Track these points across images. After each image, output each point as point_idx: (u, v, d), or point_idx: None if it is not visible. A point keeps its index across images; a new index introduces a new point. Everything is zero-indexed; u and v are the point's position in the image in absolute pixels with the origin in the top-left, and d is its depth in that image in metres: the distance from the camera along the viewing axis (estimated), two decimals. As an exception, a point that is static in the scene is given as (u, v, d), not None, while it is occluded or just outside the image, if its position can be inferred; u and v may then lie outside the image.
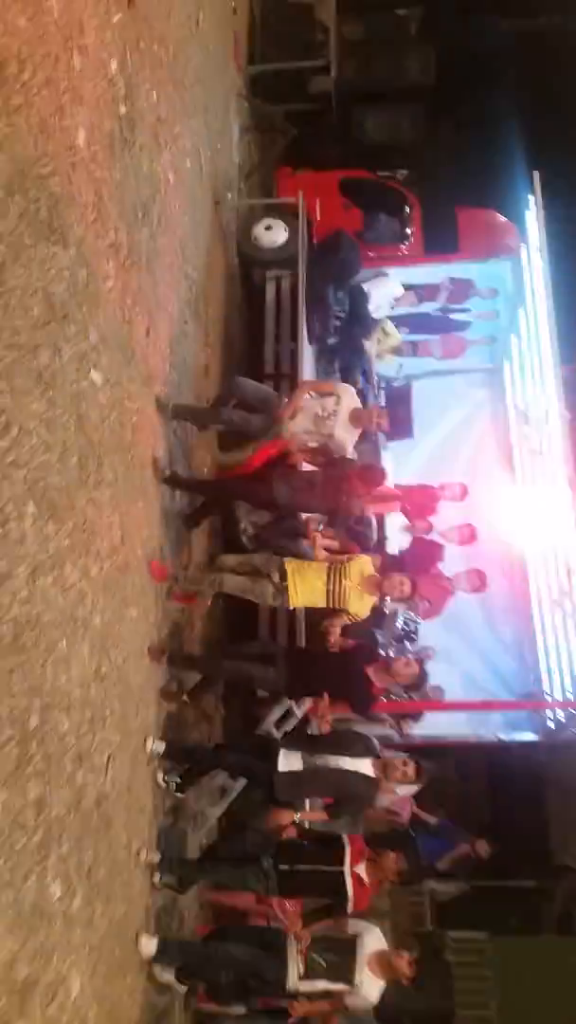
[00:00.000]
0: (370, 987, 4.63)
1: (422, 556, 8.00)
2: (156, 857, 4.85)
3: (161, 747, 5.04)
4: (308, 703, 5.97)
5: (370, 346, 8.65)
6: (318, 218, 8.66)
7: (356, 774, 5.02)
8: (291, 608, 5.49)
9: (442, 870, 8.14)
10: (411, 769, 5.10)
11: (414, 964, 4.70)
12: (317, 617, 5.87)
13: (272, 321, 8.14)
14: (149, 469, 5.16)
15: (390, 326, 8.73)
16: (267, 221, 8.34)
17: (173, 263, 5.86)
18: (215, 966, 4.88)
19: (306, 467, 6.14)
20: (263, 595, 5.35)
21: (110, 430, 4.36)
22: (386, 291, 8.37)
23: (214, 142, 7.48)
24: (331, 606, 5.33)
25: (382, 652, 6.46)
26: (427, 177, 9.19)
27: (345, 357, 8.19)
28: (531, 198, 7.49)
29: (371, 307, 8.31)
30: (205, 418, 5.99)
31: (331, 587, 5.25)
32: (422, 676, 5.81)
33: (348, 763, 5.01)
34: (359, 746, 5.14)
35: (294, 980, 4.67)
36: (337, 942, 4.83)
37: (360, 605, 5.32)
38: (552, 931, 10.35)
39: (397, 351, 8.93)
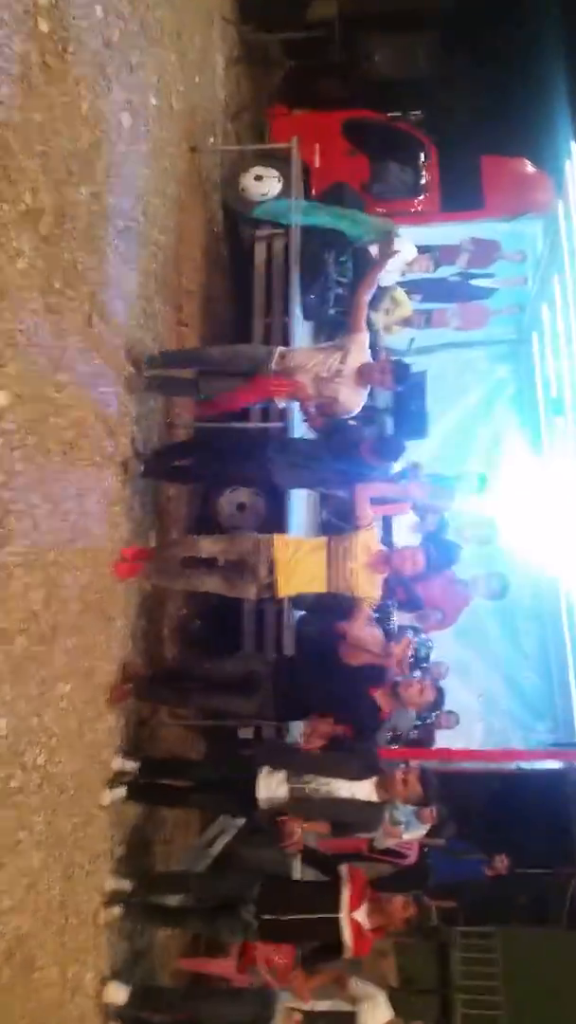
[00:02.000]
0: None
1: (435, 559, 6.99)
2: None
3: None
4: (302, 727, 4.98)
5: (377, 317, 7.50)
6: (317, 166, 7.43)
7: (353, 803, 4.30)
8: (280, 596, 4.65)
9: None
10: (413, 777, 4.32)
11: None
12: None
13: (262, 290, 6.94)
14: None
15: (401, 294, 7.59)
16: (257, 170, 7.10)
17: (129, 227, 4.73)
18: None
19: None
20: (244, 594, 4.61)
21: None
22: (397, 254, 7.16)
23: (190, 74, 6.23)
24: (333, 591, 4.55)
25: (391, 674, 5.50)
26: (446, 119, 7.82)
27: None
28: (572, 145, 6.25)
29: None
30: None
31: (333, 571, 4.46)
32: (437, 703, 4.90)
33: (343, 788, 4.30)
34: (355, 765, 4.39)
35: None
36: (334, 1018, 4.16)
37: (371, 587, 4.54)
38: (561, 924, 9.65)
39: (408, 322, 7.79)
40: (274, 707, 4.75)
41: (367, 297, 5.01)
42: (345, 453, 5.05)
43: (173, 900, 4.63)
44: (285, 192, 7.09)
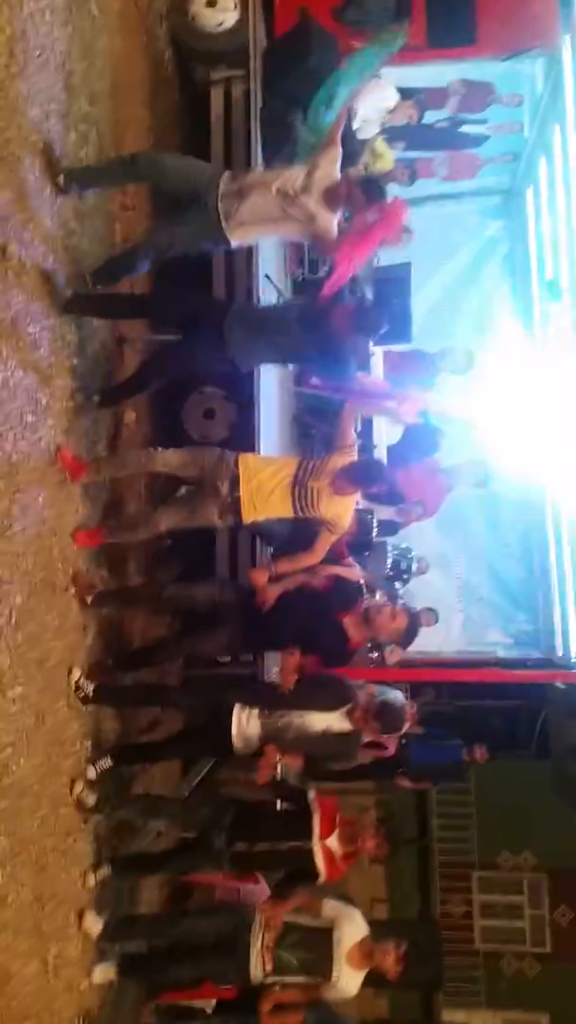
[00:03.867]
0: (349, 981, 4.08)
1: (416, 446, 6.58)
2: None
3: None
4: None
5: (355, 174, 6.60)
6: (281, -8, 6.22)
7: (327, 736, 4.20)
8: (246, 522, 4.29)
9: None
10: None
11: (401, 959, 4.09)
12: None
13: (220, 147, 6.07)
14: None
15: (381, 145, 6.64)
16: (209, -9, 5.99)
17: (52, 110, 3.88)
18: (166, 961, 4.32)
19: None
20: (208, 518, 4.23)
21: None
22: (376, 100, 6.16)
23: None
24: (300, 515, 4.20)
25: (364, 595, 5.25)
26: None
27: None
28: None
29: (355, 123, 6.15)
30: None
31: (297, 492, 4.12)
32: (411, 632, 4.69)
33: (317, 719, 4.19)
34: (327, 694, 4.27)
35: (259, 976, 4.06)
36: (310, 934, 4.17)
37: (335, 509, 4.16)
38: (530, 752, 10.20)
39: (390, 176, 6.88)
40: (243, 639, 4.52)
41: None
42: (316, 322, 4.39)
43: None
44: (243, 21, 6.03)
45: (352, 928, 4.11)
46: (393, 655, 6.34)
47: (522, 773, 9.98)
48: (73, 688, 4.02)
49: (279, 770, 4.47)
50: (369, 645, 6.13)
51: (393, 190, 6.92)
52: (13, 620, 3.38)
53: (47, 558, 3.76)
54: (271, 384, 5.46)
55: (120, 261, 4.31)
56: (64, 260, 4.01)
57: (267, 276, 5.41)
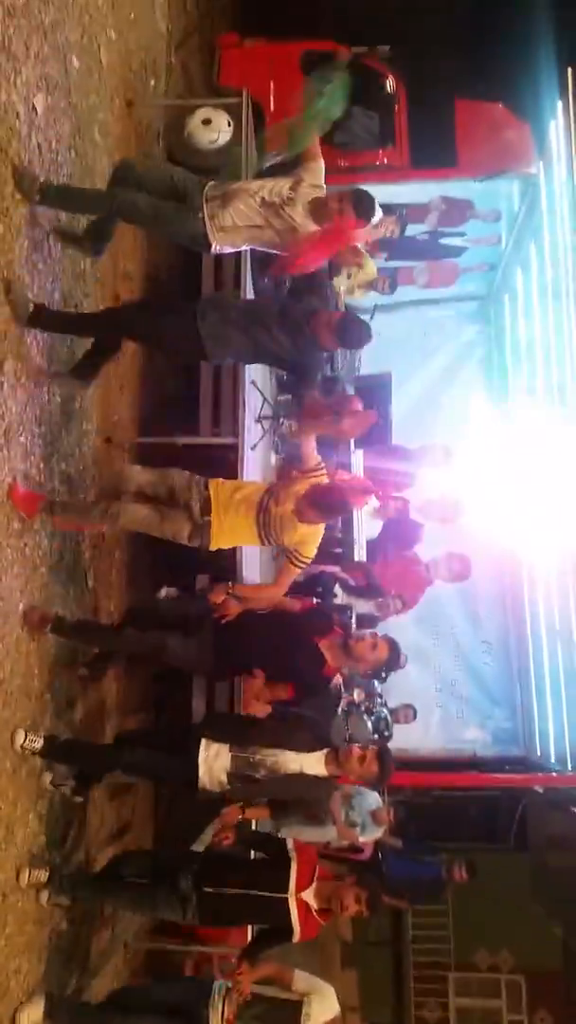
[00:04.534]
0: None
1: (396, 540, 6.67)
2: (44, 875, 3.77)
3: (37, 743, 3.71)
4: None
5: (339, 281, 6.87)
6: (272, 108, 6.58)
7: (301, 778, 3.91)
8: (212, 549, 4.05)
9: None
10: (371, 755, 3.92)
11: None
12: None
13: (210, 269, 6.27)
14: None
15: (364, 256, 6.93)
16: (205, 112, 6.26)
17: (49, 231, 4.06)
18: None
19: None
20: (176, 533, 3.96)
21: None
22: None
23: (123, 13, 5.30)
24: (265, 542, 4.05)
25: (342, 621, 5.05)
26: (417, 57, 6.88)
27: (306, 304, 6.37)
28: (559, 104, 5.54)
29: (339, 236, 6.42)
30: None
31: (262, 519, 3.93)
32: (392, 660, 4.48)
33: (291, 760, 3.89)
34: (304, 735, 4.00)
35: None
36: (277, 1008, 3.96)
37: (298, 536, 3.95)
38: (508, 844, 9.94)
39: (372, 284, 7.17)
40: (213, 655, 4.21)
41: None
42: (297, 322, 4.12)
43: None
44: (236, 138, 6.34)
45: (323, 1006, 3.89)
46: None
47: (500, 867, 9.80)
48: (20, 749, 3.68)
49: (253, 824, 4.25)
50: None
51: (375, 298, 7.27)
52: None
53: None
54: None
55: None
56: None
57: (253, 382, 5.56)
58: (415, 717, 6.69)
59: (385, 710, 5.93)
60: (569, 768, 5.95)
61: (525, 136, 6.24)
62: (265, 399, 5.56)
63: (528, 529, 6.90)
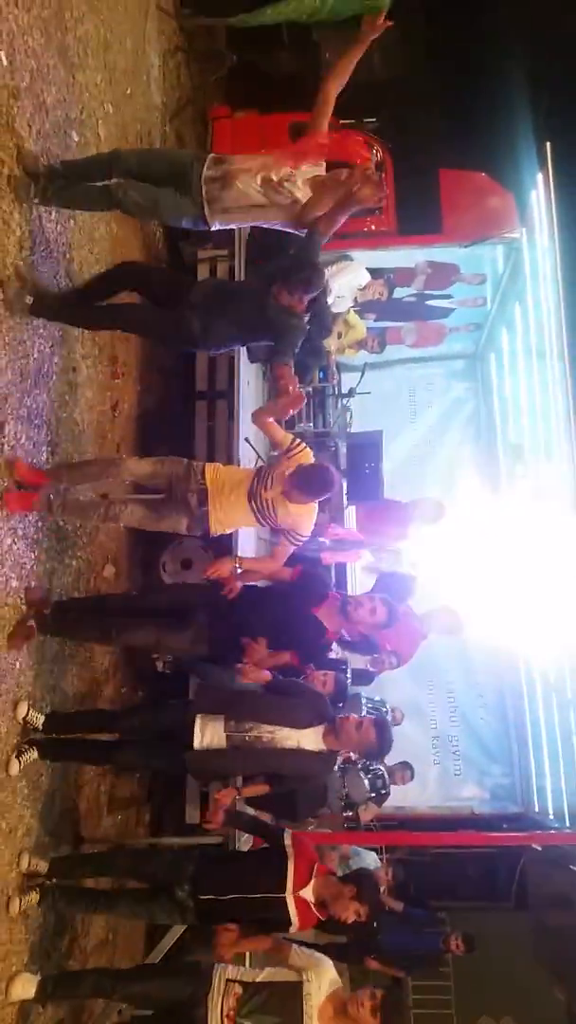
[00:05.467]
0: None
1: (390, 594, 6.68)
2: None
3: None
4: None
5: (330, 342, 7.03)
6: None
7: (299, 754, 3.82)
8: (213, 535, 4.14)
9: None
10: (368, 723, 3.86)
11: (379, 1009, 3.55)
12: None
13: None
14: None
15: (354, 317, 7.16)
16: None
17: (47, 270, 4.17)
18: None
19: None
20: (175, 528, 4.06)
21: None
22: (349, 279, 6.70)
23: (120, 89, 5.55)
24: (262, 524, 4.15)
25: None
26: (402, 129, 7.16)
27: (299, 361, 6.51)
28: (539, 175, 5.77)
29: (330, 299, 6.61)
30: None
31: (255, 505, 4.00)
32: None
33: (289, 736, 3.83)
34: (303, 711, 3.89)
35: None
36: (276, 992, 3.67)
37: (292, 517, 4.01)
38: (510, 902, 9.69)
39: (362, 344, 7.34)
40: (208, 640, 4.19)
41: (335, 90, 4.07)
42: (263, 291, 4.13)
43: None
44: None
45: (322, 979, 3.65)
46: (367, 813, 6.23)
47: (502, 927, 9.55)
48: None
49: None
50: (343, 804, 6.05)
51: (364, 356, 7.43)
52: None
53: None
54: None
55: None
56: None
57: (247, 439, 5.65)
58: (412, 778, 6.62)
59: (382, 767, 5.87)
60: (567, 825, 5.89)
61: (508, 203, 6.46)
62: (259, 456, 5.64)
63: (521, 585, 6.95)
